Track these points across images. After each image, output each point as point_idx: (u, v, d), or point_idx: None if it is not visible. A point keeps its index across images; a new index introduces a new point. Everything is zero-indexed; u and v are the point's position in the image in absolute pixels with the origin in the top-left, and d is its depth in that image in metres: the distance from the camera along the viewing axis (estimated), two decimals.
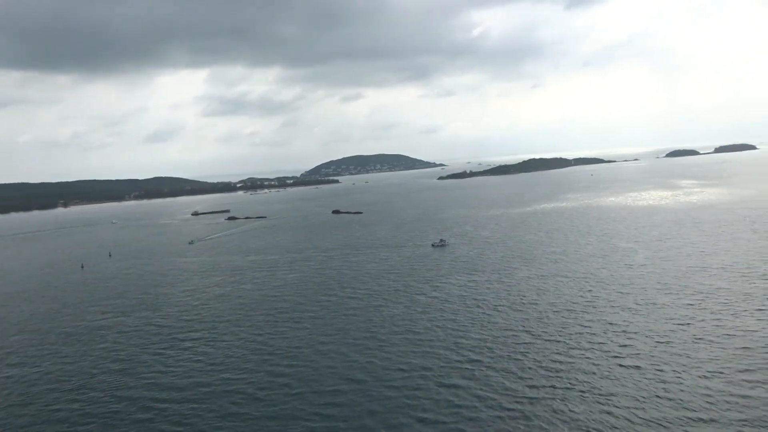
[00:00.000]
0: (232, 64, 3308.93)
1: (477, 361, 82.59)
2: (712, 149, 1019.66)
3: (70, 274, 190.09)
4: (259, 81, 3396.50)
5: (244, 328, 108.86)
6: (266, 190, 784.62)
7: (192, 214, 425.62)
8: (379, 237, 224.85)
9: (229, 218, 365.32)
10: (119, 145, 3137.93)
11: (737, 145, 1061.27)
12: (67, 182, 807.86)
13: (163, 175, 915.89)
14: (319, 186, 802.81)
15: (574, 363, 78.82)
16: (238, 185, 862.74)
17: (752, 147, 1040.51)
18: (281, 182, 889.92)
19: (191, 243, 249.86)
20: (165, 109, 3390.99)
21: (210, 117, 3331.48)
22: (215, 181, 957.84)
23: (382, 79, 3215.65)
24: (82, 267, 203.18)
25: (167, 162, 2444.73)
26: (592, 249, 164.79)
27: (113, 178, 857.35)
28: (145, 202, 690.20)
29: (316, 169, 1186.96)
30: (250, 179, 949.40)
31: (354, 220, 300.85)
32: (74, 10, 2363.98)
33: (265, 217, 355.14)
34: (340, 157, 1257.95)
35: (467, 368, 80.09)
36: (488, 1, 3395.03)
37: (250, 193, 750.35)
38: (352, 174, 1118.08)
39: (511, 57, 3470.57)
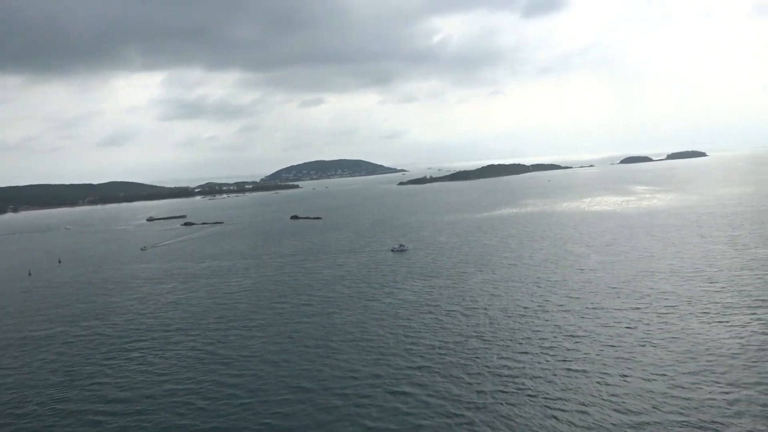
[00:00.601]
0: (190, 67, 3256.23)
1: (427, 367, 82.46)
2: (664, 156, 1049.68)
3: (17, 282, 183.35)
4: (218, 85, 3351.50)
5: (193, 337, 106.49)
6: (225, 195, 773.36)
7: (147, 220, 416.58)
8: (337, 242, 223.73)
9: (186, 224, 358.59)
10: (72, 149, 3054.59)
11: (688, 152, 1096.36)
12: (17, 186, 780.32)
13: (118, 180, 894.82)
14: (278, 191, 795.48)
15: (522, 367, 79.43)
16: (196, 190, 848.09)
17: (702, 154, 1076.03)
18: (240, 187, 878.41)
19: (143, 249, 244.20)
20: (120, 113, 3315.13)
21: (167, 121, 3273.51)
22: (173, 186, 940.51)
23: (343, 84, 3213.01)
24: (30, 274, 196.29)
25: (123, 166, 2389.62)
26: (545, 254, 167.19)
27: (66, 183, 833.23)
28: (99, 207, 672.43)
29: (277, 174, 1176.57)
30: (209, 184, 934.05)
31: (312, 226, 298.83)
32: (21, 7, 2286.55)
33: (222, 223, 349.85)
34: (300, 162, 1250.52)
35: (417, 375, 79.89)
36: (448, 8, 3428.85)
37: (208, 198, 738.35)
38: (312, 179, 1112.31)
39: (471, 64, 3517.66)
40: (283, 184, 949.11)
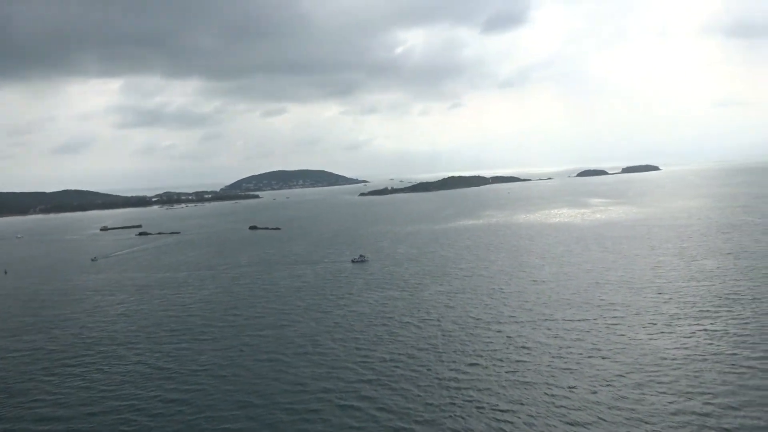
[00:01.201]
0: (148, 74, 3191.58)
1: (378, 380, 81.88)
2: (620, 169, 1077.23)
3: None
4: (178, 92, 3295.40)
5: (141, 351, 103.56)
6: (183, 205, 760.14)
7: (101, 230, 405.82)
8: (295, 253, 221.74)
9: (141, 233, 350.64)
10: (24, 156, 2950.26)
11: (642, 165, 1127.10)
12: None
13: (72, 188, 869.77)
14: (238, 201, 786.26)
15: (472, 379, 79.57)
16: (154, 199, 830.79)
17: (656, 168, 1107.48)
18: (199, 197, 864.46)
19: (94, 260, 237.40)
20: (75, 120, 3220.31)
21: (125, 129, 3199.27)
22: (129, 195, 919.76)
23: (305, 94, 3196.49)
24: None
25: (78, 175, 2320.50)
26: (500, 265, 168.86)
27: (17, 191, 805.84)
28: (52, 216, 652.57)
29: (237, 184, 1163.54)
30: (167, 193, 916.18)
31: (271, 236, 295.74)
32: None
33: (179, 233, 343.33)
34: (261, 172, 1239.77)
35: (367, 388, 79.19)
36: (410, 20, 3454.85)
37: (165, 207, 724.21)
38: (273, 189, 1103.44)
39: (433, 76, 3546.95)
40: (243, 194, 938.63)
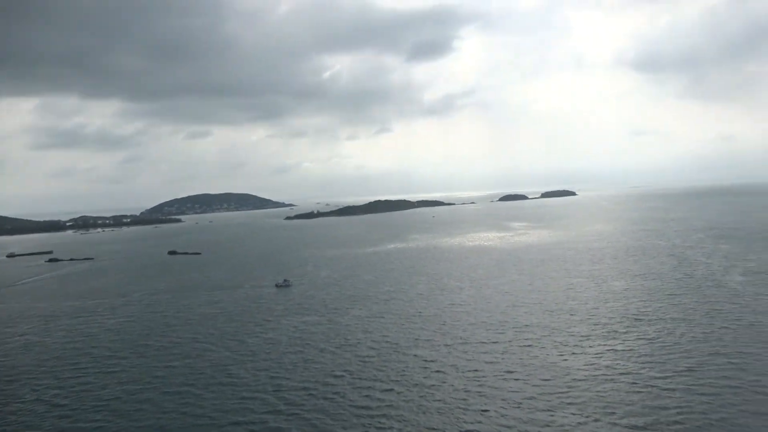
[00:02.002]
0: (65, 94, 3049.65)
1: (289, 409, 79.80)
2: (539, 194, 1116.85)
3: None
4: (97, 114, 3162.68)
5: (39, 387, 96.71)
6: (100, 230, 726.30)
7: (7, 256, 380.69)
8: (215, 278, 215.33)
9: (51, 260, 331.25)
10: None
11: (560, 191, 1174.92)
12: None
13: None
14: (159, 225, 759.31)
15: (386, 405, 78.95)
16: (68, 224, 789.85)
17: (573, 193, 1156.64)
18: (117, 221, 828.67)
19: None
20: None
21: (40, 150, 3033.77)
22: (41, 219, 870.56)
23: (231, 117, 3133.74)
24: None
25: None
26: (422, 288, 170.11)
27: None
28: None
29: (159, 208, 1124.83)
30: (83, 218, 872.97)
31: (191, 261, 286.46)
32: None
33: (92, 259, 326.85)
34: (184, 196, 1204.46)
35: (278, 418, 76.98)
36: (336, 46, 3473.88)
37: (81, 232, 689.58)
38: (197, 213, 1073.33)
39: (360, 101, 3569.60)
40: (164, 218, 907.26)
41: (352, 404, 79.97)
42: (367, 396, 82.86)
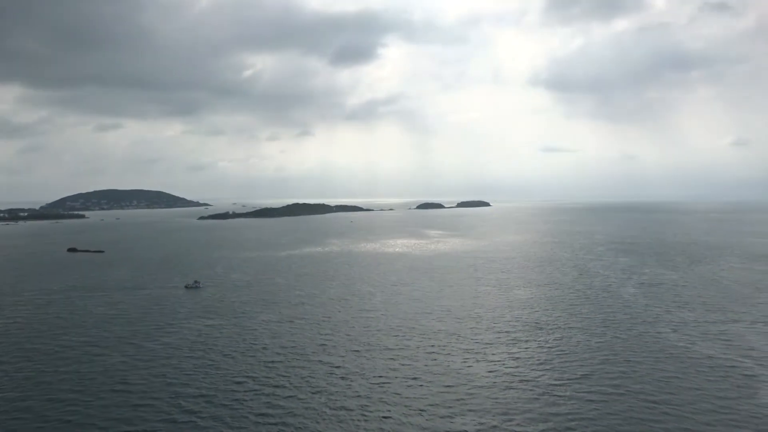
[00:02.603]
0: None
1: (189, 413, 76.76)
2: (455, 204, 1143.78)
3: None
4: None
5: None
6: None
7: None
8: (118, 278, 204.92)
9: None
10: None
11: (475, 201, 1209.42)
12: None
13: None
14: (60, 221, 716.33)
15: (286, 413, 77.35)
16: None
17: (487, 204, 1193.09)
18: (13, 215, 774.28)
19: None
20: None
21: None
22: None
23: (144, 111, 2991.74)
24: None
25: None
26: (334, 293, 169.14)
27: None
28: None
29: (61, 202, 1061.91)
30: None
31: (92, 260, 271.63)
32: None
33: None
34: (90, 191, 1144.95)
35: (174, 424, 73.69)
36: (258, 45, 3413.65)
37: None
38: (103, 209, 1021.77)
39: (282, 102, 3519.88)
40: (66, 213, 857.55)
41: (252, 411, 77.73)
42: (267, 403, 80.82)
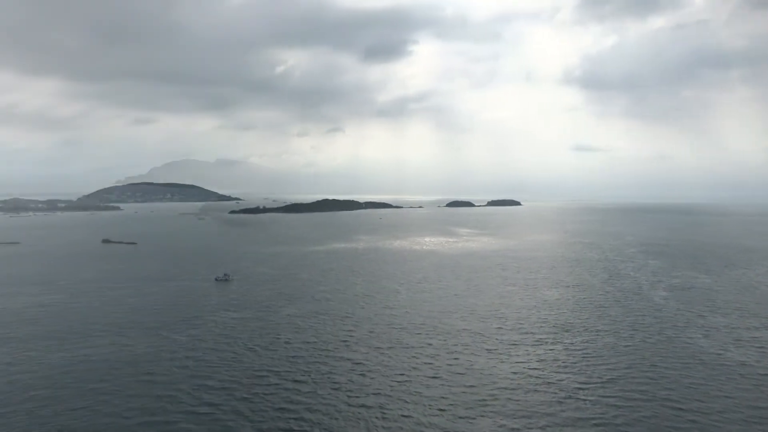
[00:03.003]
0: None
1: (210, 405, 77.47)
2: (485, 202, 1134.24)
3: None
4: (34, 92, 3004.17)
5: None
6: (31, 213, 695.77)
7: None
8: (148, 270, 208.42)
9: None
10: None
11: (506, 200, 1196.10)
12: None
13: None
14: (96, 212, 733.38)
15: (310, 405, 77.66)
16: None
17: (517, 203, 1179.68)
18: (51, 205, 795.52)
19: None
20: None
21: None
22: None
23: (178, 105, 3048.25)
24: None
25: None
26: (359, 289, 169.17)
27: None
28: None
29: (97, 194, 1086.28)
30: (15, 200, 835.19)
31: (125, 251, 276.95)
32: None
33: (18, 243, 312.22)
34: (126, 183, 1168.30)
35: (194, 415, 74.43)
36: (291, 41, 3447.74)
37: (10, 215, 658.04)
38: (137, 202, 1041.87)
39: (313, 98, 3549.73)
40: (102, 205, 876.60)
41: (272, 406, 78.10)
42: (286, 398, 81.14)
